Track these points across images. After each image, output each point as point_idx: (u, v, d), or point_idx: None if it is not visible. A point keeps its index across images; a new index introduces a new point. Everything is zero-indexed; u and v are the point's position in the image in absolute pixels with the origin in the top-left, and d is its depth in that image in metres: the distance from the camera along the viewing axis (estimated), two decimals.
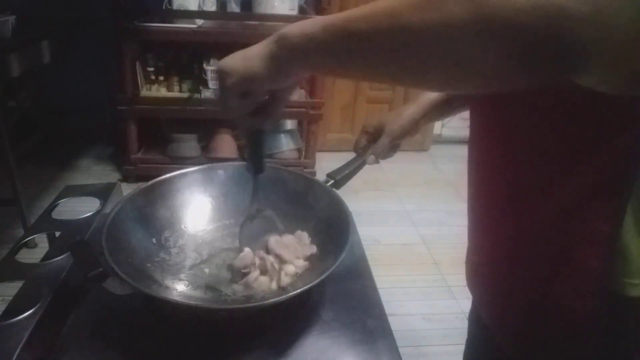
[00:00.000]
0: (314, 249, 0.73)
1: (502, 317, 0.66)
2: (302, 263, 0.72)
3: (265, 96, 0.59)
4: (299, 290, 0.60)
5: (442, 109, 0.83)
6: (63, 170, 2.80)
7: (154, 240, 0.75)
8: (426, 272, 2.16)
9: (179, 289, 0.70)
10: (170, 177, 0.81)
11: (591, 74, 0.34)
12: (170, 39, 2.53)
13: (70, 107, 3.03)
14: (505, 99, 0.48)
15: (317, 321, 0.67)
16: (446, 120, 3.37)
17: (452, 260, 2.15)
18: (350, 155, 0.88)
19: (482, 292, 0.71)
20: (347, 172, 0.84)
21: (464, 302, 1.86)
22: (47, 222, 0.83)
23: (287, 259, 0.71)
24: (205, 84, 2.56)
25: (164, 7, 2.45)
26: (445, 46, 0.37)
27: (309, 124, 2.82)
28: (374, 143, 0.85)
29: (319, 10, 2.74)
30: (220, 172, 0.85)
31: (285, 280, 0.69)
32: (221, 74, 0.53)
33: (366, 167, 0.88)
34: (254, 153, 0.65)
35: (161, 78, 2.63)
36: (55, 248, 0.76)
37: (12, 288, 0.67)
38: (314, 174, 2.70)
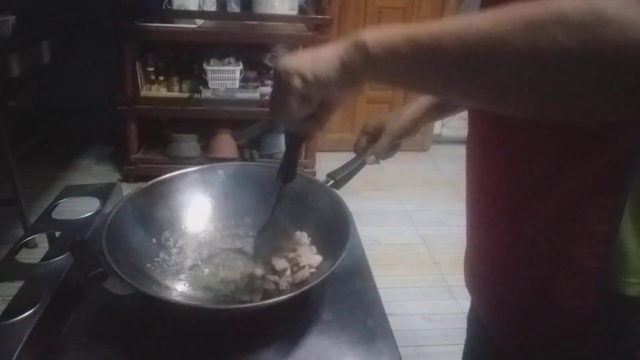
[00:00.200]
0: (319, 259, 0.73)
1: (501, 317, 0.66)
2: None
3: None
4: (299, 291, 0.60)
5: (442, 109, 0.83)
6: (63, 170, 2.80)
7: (154, 240, 0.75)
8: (426, 272, 2.16)
9: (179, 289, 0.70)
10: (170, 177, 0.81)
11: None
12: (170, 39, 2.53)
13: (70, 107, 3.03)
14: None
15: (317, 321, 0.67)
16: (446, 120, 3.38)
17: (452, 260, 2.14)
18: (350, 155, 0.88)
19: (481, 293, 0.71)
20: (347, 172, 0.84)
21: (464, 302, 1.86)
22: (47, 222, 0.83)
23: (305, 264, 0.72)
24: (205, 84, 2.56)
25: (164, 7, 2.45)
26: (545, 73, 0.35)
27: None
28: (374, 143, 0.85)
29: (319, 10, 2.74)
30: (220, 172, 0.85)
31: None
32: (286, 74, 0.49)
33: (366, 167, 0.88)
34: (290, 159, 0.63)
35: (161, 78, 2.63)
36: (55, 248, 0.76)
37: (12, 288, 0.67)
38: (314, 174, 2.70)
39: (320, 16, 2.65)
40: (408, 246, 2.34)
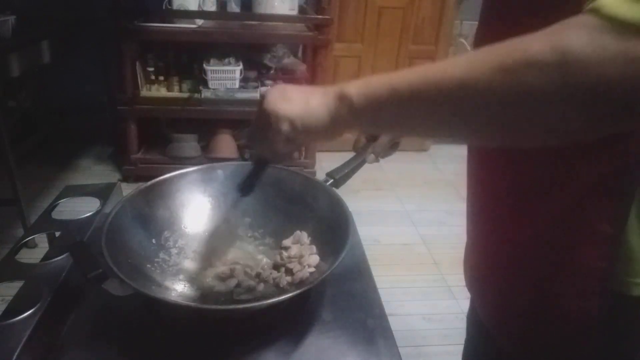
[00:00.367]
0: (317, 259, 0.73)
1: (501, 317, 0.66)
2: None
3: None
4: (299, 291, 0.60)
5: None
6: (63, 170, 2.80)
7: (153, 240, 0.75)
8: (426, 272, 2.15)
9: (179, 289, 0.70)
10: (170, 177, 0.81)
11: None
12: (170, 39, 2.53)
13: (70, 107, 3.03)
14: None
15: (317, 321, 0.67)
16: None
17: (452, 260, 2.14)
18: (350, 155, 0.88)
19: (481, 293, 0.71)
20: (346, 171, 0.84)
21: (464, 302, 1.86)
22: (47, 222, 0.83)
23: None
24: (205, 84, 2.56)
25: (164, 7, 2.45)
26: (521, 112, 0.38)
27: None
28: (373, 142, 0.85)
29: (319, 10, 2.74)
30: (220, 172, 0.84)
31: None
32: (276, 118, 0.50)
33: (366, 167, 0.88)
34: (254, 178, 0.65)
35: (161, 78, 2.63)
36: (55, 248, 0.76)
37: (12, 288, 0.67)
38: (314, 173, 2.70)
39: (320, 16, 2.65)
40: (408, 246, 2.34)
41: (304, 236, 0.77)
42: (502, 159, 0.59)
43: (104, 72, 2.89)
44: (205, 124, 2.74)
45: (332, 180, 0.82)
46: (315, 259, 0.72)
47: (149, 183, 0.78)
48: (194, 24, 2.49)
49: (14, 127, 2.56)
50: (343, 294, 0.73)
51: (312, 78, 2.69)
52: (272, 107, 0.50)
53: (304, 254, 0.74)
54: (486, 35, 0.60)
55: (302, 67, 2.82)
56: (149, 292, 0.61)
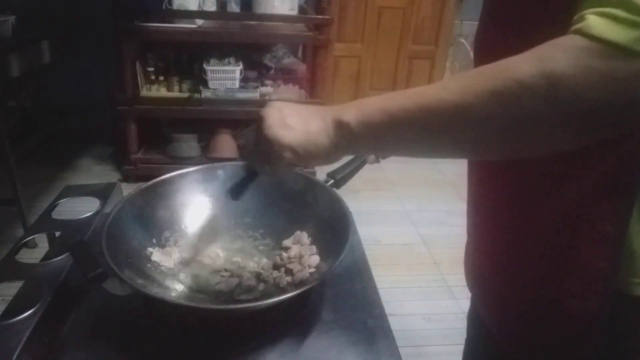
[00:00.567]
0: (317, 259, 0.73)
1: (502, 316, 0.66)
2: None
3: None
4: (299, 291, 0.60)
5: None
6: (63, 170, 2.80)
7: (154, 240, 0.75)
8: (426, 272, 2.15)
9: (179, 289, 0.70)
10: (170, 177, 0.81)
11: None
12: (170, 39, 2.53)
13: (70, 107, 3.03)
14: None
15: (317, 321, 0.67)
16: None
17: (452, 260, 2.14)
18: (350, 155, 0.88)
19: (482, 292, 0.71)
20: (347, 171, 0.84)
21: (464, 302, 1.86)
22: (47, 222, 0.83)
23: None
24: (205, 84, 2.56)
25: (164, 7, 2.45)
26: (516, 134, 0.40)
27: None
28: None
29: (319, 10, 2.74)
30: (220, 172, 0.85)
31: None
32: (279, 146, 0.50)
33: (366, 167, 0.88)
34: (245, 185, 0.65)
35: (161, 78, 2.63)
36: (55, 248, 0.76)
37: (12, 288, 0.67)
38: (314, 174, 2.70)
39: (320, 16, 2.65)
40: (408, 246, 2.34)
41: (304, 236, 0.77)
42: (502, 162, 0.59)
43: (104, 72, 2.89)
44: (205, 124, 2.74)
45: (332, 181, 0.83)
46: (315, 259, 0.72)
47: (149, 183, 0.78)
48: (194, 24, 2.49)
49: (14, 127, 2.56)
50: (343, 294, 0.73)
51: (312, 78, 2.69)
52: (273, 134, 0.50)
53: (304, 254, 0.74)
54: (486, 35, 0.60)
55: (302, 67, 2.83)
56: (149, 292, 0.61)
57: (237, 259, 0.77)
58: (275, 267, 0.74)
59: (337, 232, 0.70)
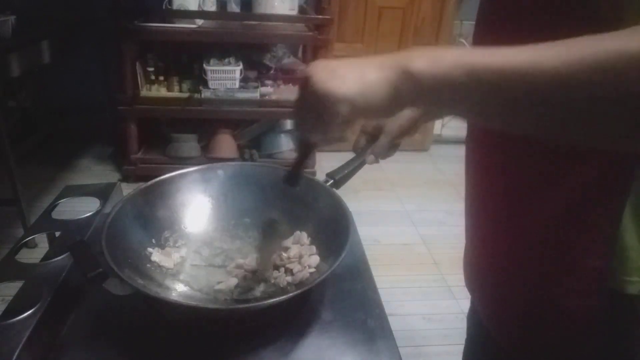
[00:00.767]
0: (317, 260, 0.73)
1: (500, 316, 0.66)
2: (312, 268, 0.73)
3: None
4: (299, 291, 0.60)
5: None
6: (63, 170, 2.80)
7: (153, 240, 0.75)
8: (426, 272, 2.15)
9: (179, 289, 0.70)
10: (170, 177, 0.81)
11: None
12: (170, 39, 2.53)
13: (70, 107, 3.03)
14: None
15: (317, 321, 0.67)
16: (446, 120, 3.38)
17: (452, 260, 2.14)
18: (350, 155, 0.88)
19: (481, 292, 0.71)
20: (346, 171, 0.84)
21: (464, 302, 1.86)
22: (47, 222, 0.83)
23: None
24: (205, 84, 2.56)
25: (164, 7, 2.45)
26: (618, 111, 0.36)
27: None
28: (373, 142, 0.85)
29: (319, 10, 2.74)
30: (220, 172, 0.85)
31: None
32: (333, 101, 0.43)
33: (366, 167, 0.88)
34: (301, 166, 0.61)
35: (161, 78, 2.63)
36: (55, 248, 0.76)
37: (12, 288, 0.67)
38: (314, 174, 2.70)
39: (320, 16, 2.65)
40: (408, 246, 2.34)
41: (304, 236, 0.77)
42: (499, 158, 0.59)
43: (104, 72, 2.89)
44: (205, 124, 2.74)
45: (332, 181, 0.83)
46: (315, 259, 0.72)
47: (149, 183, 0.78)
48: (194, 24, 2.49)
49: (14, 127, 2.56)
50: (343, 294, 0.73)
51: None
52: (324, 88, 0.43)
53: (304, 254, 0.74)
54: (483, 35, 0.60)
55: (302, 67, 2.82)
56: (149, 291, 0.61)
57: (237, 259, 0.77)
58: (275, 267, 0.74)
59: (337, 232, 0.70)
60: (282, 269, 0.73)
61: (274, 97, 2.67)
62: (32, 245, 1.16)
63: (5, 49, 2.00)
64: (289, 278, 0.71)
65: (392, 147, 0.86)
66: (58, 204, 0.88)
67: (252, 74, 2.69)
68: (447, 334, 1.78)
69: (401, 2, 3.08)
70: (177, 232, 0.79)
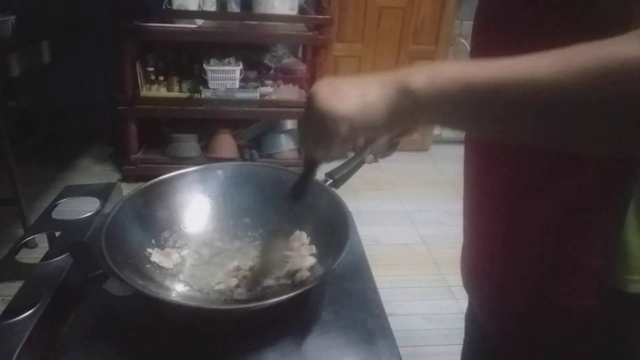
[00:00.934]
0: (312, 261, 0.73)
1: (499, 316, 0.66)
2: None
3: None
4: (298, 291, 0.60)
5: None
6: (63, 170, 2.80)
7: (153, 240, 0.75)
8: (426, 272, 2.16)
9: (179, 289, 0.70)
10: (169, 177, 0.81)
11: None
12: (170, 39, 2.53)
13: (70, 107, 3.03)
14: None
15: (317, 321, 0.67)
16: None
17: (452, 260, 2.13)
18: (349, 155, 0.88)
19: (479, 292, 0.71)
20: (345, 171, 0.84)
21: (464, 302, 1.86)
22: (47, 222, 0.83)
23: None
24: (205, 84, 2.56)
25: (164, 7, 2.45)
26: (613, 120, 0.36)
27: None
28: (372, 142, 0.85)
29: (319, 10, 2.74)
30: (220, 172, 0.85)
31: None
32: (333, 120, 0.45)
33: (366, 167, 0.88)
34: (307, 181, 0.62)
35: (161, 78, 2.63)
36: (55, 248, 0.76)
37: (12, 288, 0.67)
38: None
39: (320, 16, 2.65)
40: (408, 246, 2.34)
41: (304, 236, 0.77)
42: (499, 158, 0.59)
43: (104, 72, 2.89)
44: (205, 124, 2.74)
45: (331, 181, 0.83)
46: (310, 260, 0.72)
47: (149, 183, 0.78)
48: (194, 24, 2.49)
49: (14, 127, 2.56)
50: (343, 294, 0.73)
51: (312, 78, 2.69)
52: (326, 106, 0.45)
53: (304, 254, 0.74)
54: (481, 35, 0.60)
55: (302, 67, 2.83)
56: (149, 292, 0.61)
57: (237, 259, 0.77)
58: (276, 266, 0.74)
59: (337, 232, 0.70)
60: (282, 269, 0.73)
61: (274, 97, 2.67)
62: (32, 245, 1.16)
63: (5, 49, 2.00)
64: (288, 281, 0.71)
65: (392, 146, 0.86)
66: (58, 204, 0.88)
67: (252, 74, 2.69)
68: (447, 334, 1.78)
69: (401, 2, 3.08)
70: (176, 233, 0.79)
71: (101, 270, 0.58)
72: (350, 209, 0.73)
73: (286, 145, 2.84)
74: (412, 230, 2.46)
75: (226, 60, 2.58)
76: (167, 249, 0.75)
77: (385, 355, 0.62)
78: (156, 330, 0.65)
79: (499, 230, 0.63)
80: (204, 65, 2.54)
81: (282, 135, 2.84)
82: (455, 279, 2.03)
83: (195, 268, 0.75)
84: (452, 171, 3.03)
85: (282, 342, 0.63)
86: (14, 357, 0.54)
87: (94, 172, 2.84)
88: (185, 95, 2.59)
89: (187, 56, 2.69)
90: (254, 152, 2.79)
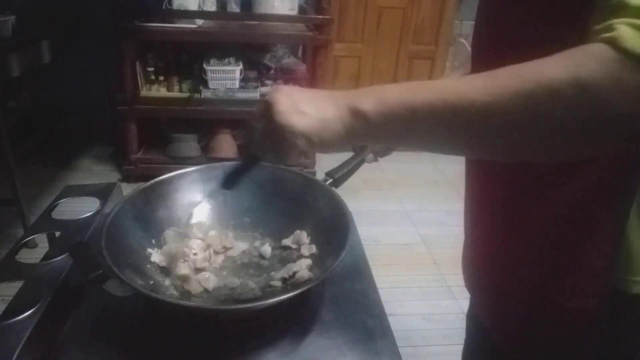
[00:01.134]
0: (308, 262, 0.73)
1: (500, 316, 0.66)
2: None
3: None
4: (298, 291, 0.60)
5: None
6: (63, 170, 2.80)
7: (153, 240, 0.75)
8: (426, 272, 2.15)
9: (179, 289, 0.70)
10: (169, 177, 0.81)
11: None
12: (170, 39, 2.53)
13: (70, 107, 3.03)
14: None
15: (317, 321, 0.67)
16: None
17: (452, 260, 2.13)
18: (349, 154, 0.88)
19: (480, 292, 0.71)
20: (345, 170, 0.84)
21: (464, 302, 1.86)
22: (47, 222, 0.83)
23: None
24: (205, 84, 2.56)
25: (164, 7, 2.45)
26: (543, 140, 0.39)
27: None
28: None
29: (319, 10, 2.74)
30: (220, 172, 0.84)
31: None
32: (292, 134, 0.47)
33: (366, 167, 0.88)
34: (240, 174, 0.62)
35: (161, 78, 2.63)
36: (55, 248, 0.76)
37: (12, 288, 0.67)
38: (313, 173, 2.70)
39: (320, 16, 2.65)
40: (408, 246, 2.34)
41: (304, 236, 0.77)
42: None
43: (104, 72, 2.89)
44: (205, 124, 2.74)
45: (331, 180, 0.83)
46: (310, 260, 0.72)
47: (149, 183, 0.78)
48: (194, 24, 2.49)
49: (14, 127, 2.56)
50: (343, 294, 0.73)
51: (312, 78, 2.69)
52: (285, 121, 0.47)
53: (303, 254, 0.74)
54: (483, 35, 0.60)
55: (302, 67, 2.82)
56: (149, 292, 0.61)
57: (237, 258, 0.77)
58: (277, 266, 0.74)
59: (337, 231, 0.70)
60: (282, 270, 0.73)
61: None
62: (32, 245, 1.16)
63: (5, 49, 2.00)
64: (287, 281, 0.71)
65: (391, 146, 0.87)
66: (58, 204, 0.88)
67: (252, 74, 2.69)
68: (447, 334, 1.78)
69: (401, 2, 3.08)
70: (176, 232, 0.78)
71: (101, 271, 0.58)
72: (350, 209, 0.73)
73: None
74: (412, 230, 2.46)
75: (226, 60, 2.58)
76: (166, 249, 0.75)
77: (385, 355, 0.62)
78: (156, 330, 0.65)
79: (500, 231, 0.63)
80: (204, 65, 2.54)
81: None
82: (455, 279, 2.04)
83: (195, 268, 0.74)
84: (452, 171, 3.03)
85: (282, 342, 0.63)
86: (14, 357, 0.54)
87: (94, 172, 2.84)
88: (185, 95, 2.59)
89: (187, 56, 2.69)
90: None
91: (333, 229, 0.72)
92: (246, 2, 2.68)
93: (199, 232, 0.79)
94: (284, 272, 0.72)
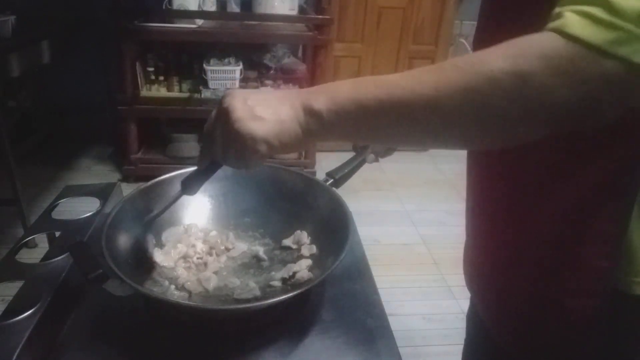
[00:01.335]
0: (308, 262, 0.73)
1: (501, 316, 0.66)
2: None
3: None
4: (298, 291, 0.60)
5: None
6: (63, 170, 2.80)
7: (153, 241, 0.75)
8: (426, 272, 2.15)
9: (179, 289, 0.70)
10: (170, 177, 0.81)
11: None
12: (170, 39, 2.53)
13: (70, 107, 3.03)
14: None
15: (317, 321, 0.67)
16: None
17: (452, 260, 2.14)
18: (350, 155, 0.88)
19: (481, 292, 0.71)
20: (346, 170, 0.84)
21: (464, 302, 1.86)
22: (47, 222, 0.83)
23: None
24: (205, 84, 2.56)
25: (164, 7, 2.45)
26: (486, 128, 0.40)
27: None
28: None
29: (319, 10, 2.74)
30: (220, 172, 0.84)
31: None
32: (252, 141, 0.47)
33: (366, 167, 0.88)
34: (202, 179, 0.62)
35: (161, 78, 2.63)
36: (55, 248, 0.76)
37: (12, 288, 0.67)
38: (314, 173, 2.70)
39: (320, 16, 2.65)
40: (408, 246, 2.34)
41: (304, 236, 0.77)
42: (502, 158, 0.59)
43: (104, 72, 2.89)
44: (205, 124, 2.73)
45: (332, 180, 0.83)
46: (310, 260, 0.72)
47: (149, 183, 0.78)
48: (194, 24, 2.49)
49: (14, 127, 2.56)
50: (343, 294, 0.73)
51: (312, 78, 2.69)
52: (245, 129, 0.47)
53: (303, 254, 0.74)
54: (485, 35, 0.60)
55: (302, 67, 2.82)
56: (149, 292, 0.61)
57: (237, 258, 0.77)
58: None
59: (337, 231, 0.70)
60: (282, 270, 0.73)
61: None
62: (32, 245, 1.16)
63: (5, 49, 2.00)
64: (287, 281, 0.71)
65: (392, 146, 0.86)
66: (58, 204, 0.88)
67: (252, 74, 2.69)
68: (447, 334, 1.78)
69: (401, 2, 3.08)
70: (176, 233, 0.78)
71: (101, 270, 0.58)
72: (350, 209, 0.73)
73: None
74: (412, 230, 2.46)
75: (226, 60, 2.58)
76: (167, 249, 0.75)
77: (385, 355, 0.62)
78: (156, 330, 0.65)
79: (500, 231, 0.63)
80: (204, 65, 2.54)
81: None
82: (455, 279, 2.04)
83: (195, 268, 0.74)
84: (452, 171, 3.03)
85: (282, 342, 0.63)
86: (14, 357, 0.54)
87: (94, 172, 2.84)
88: (185, 95, 2.59)
89: (187, 56, 2.69)
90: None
91: (333, 229, 0.72)
92: (246, 2, 2.68)
93: (200, 232, 0.79)
94: (284, 272, 0.71)
